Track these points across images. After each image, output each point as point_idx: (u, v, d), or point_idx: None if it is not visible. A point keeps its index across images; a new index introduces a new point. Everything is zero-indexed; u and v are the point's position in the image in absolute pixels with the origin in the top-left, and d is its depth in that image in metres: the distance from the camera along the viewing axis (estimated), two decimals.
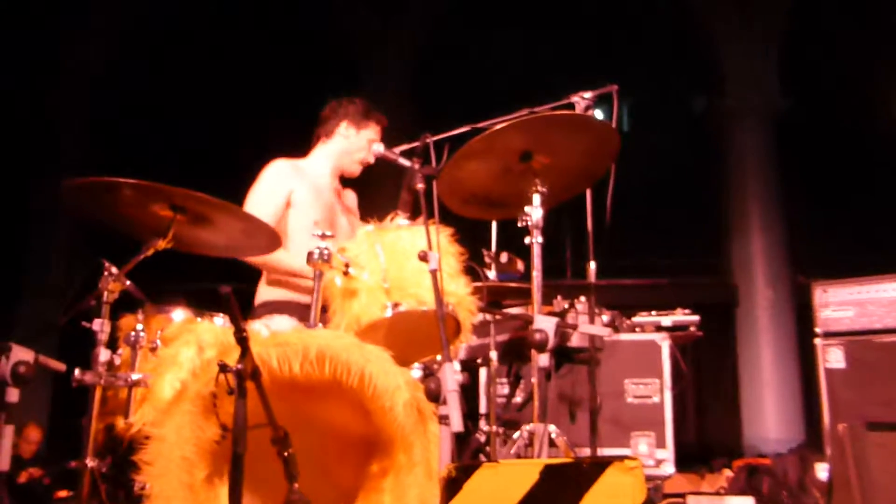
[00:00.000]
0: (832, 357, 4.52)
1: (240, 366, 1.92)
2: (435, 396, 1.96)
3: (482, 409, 3.90)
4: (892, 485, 1.14)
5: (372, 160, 3.11)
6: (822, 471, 4.35)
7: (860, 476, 1.12)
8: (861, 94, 4.10)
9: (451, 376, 1.92)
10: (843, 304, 4.53)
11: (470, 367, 3.64)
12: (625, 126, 8.31)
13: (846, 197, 7.23)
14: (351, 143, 3.26)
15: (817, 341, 4.55)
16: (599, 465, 1.61)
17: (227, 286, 1.99)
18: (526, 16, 8.12)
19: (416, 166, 2.39)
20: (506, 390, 3.70)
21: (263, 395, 1.91)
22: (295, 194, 3.11)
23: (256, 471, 2.01)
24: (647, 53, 7.99)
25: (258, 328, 2.35)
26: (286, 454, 1.92)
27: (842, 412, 4.41)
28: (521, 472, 1.67)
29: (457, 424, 1.87)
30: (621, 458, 1.55)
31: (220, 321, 2.34)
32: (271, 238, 2.57)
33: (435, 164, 2.43)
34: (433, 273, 2.11)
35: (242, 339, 1.93)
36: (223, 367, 1.91)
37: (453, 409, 1.88)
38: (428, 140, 2.43)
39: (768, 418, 7.22)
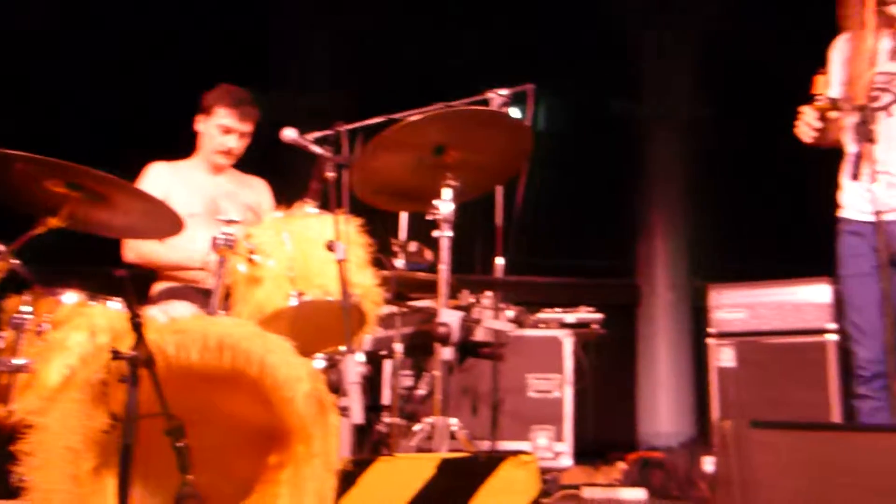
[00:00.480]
0: (724, 356, 4.73)
1: (134, 352, 1.85)
2: (336, 388, 1.94)
3: (385, 400, 3.90)
4: (773, 480, 1.20)
5: (227, 147, 3.11)
6: (708, 464, 4.54)
7: (742, 472, 1.18)
8: (767, 112, 4.29)
9: (354, 368, 1.91)
10: (735, 306, 4.75)
11: (374, 358, 3.63)
12: (539, 125, 8.40)
13: (745, 206, 7.56)
14: (204, 133, 3.20)
15: (710, 341, 4.76)
16: (494, 460, 1.63)
17: (122, 269, 1.92)
18: (449, 11, 8.13)
19: (328, 154, 2.35)
20: (409, 382, 3.71)
21: (157, 383, 1.85)
22: (171, 196, 3.04)
23: (148, 462, 1.95)
24: (565, 54, 8.11)
25: (155, 314, 2.28)
26: (179, 445, 1.87)
27: (730, 409, 4.62)
28: (417, 466, 1.67)
29: (357, 416, 1.87)
30: (516, 452, 1.57)
31: (115, 305, 2.25)
32: (173, 221, 2.48)
33: (347, 153, 2.40)
34: (340, 263, 2.09)
35: (137, 325, 1.86)
36: (116, 354, 1.84)
37: (354, 401, 1.87)
38: (340, 129, 2.40)
39: (662, 414, 7.47)
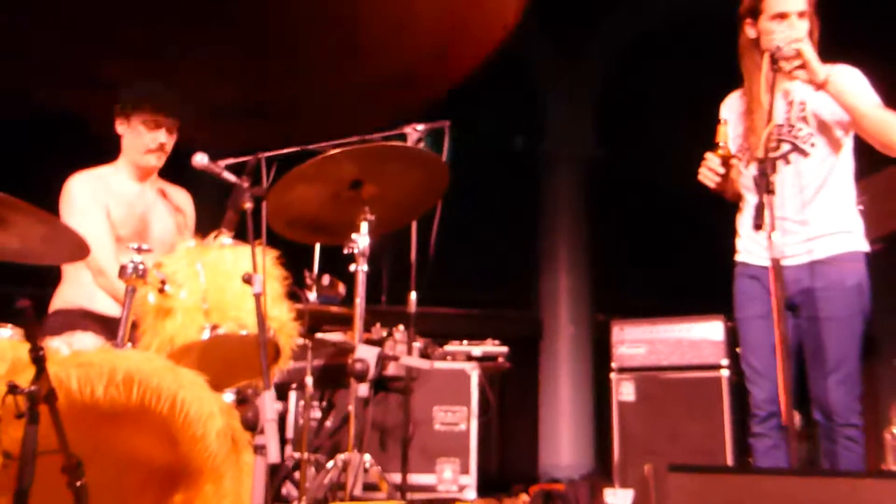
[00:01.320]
0: (624, 390, 4.88)
1: (33, 387, 1.76)
2: (252, 425, 1.89)
3: (289, 434, 3.82)
4: None
5: (158, 142, 2.96)
6: (610, 496, 4.64)
7: None
8: (663, 151, 4.50)
9: (271, 405, 1.87)
10: (636, 341, 4.91)
11: (281, 390, 3.56)
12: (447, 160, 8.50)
13: (645, 244, 7.85)
14: (128, 137, 3.02)
15: (612, 375, 4.90)
16: None
17: (25, 299, 1.82)
18: None
19: (245, 184, 2.31)
20: (318, 415, 3.65)
21: (57, 419, 1.76)
22: (112, 213, 2.90)
23: (43, 501, 1.84)
24: (470, 91, 8.27)
25: (58, 345, 2.16)
26: (77, 484, 1.78)
27: (630, 442, 4.76)
28: None
29: (274, 455, 1.82)
30: (447, 501, 1.57)
31: (9, 333, 2.13)
32: (76, 246, 2.36)
33: (266, 183, 2.37)
34: (257, 297, 2.05)
35: (38, 358, 1.77)
36: (13, 388, 1.74)
37: (271, 439, 1.82)
38: (261, 157, 2.37)
39: (563, 446, 7.60)
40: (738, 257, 2.80)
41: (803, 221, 2.58)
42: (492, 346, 5.06)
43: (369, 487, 2.63)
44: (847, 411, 2.48)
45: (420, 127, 3.22)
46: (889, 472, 2.48)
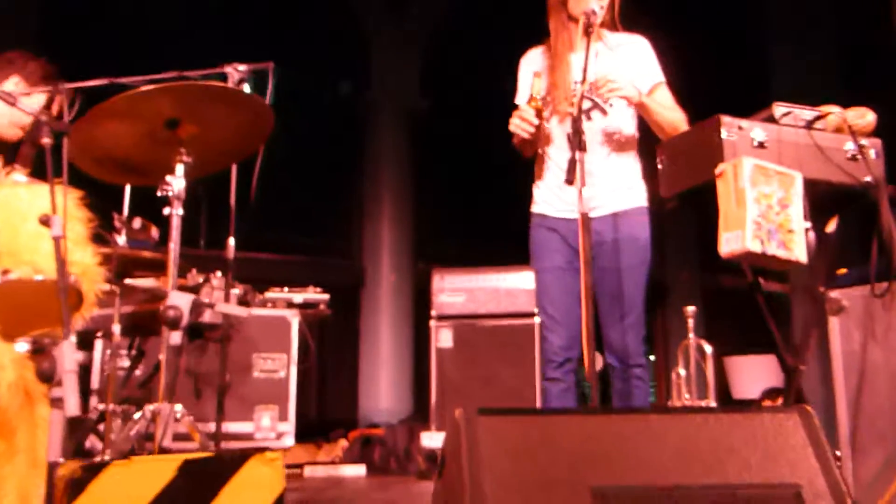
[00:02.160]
0: (443, 337, 5.03)
1: None
2: (48, 377, 1.76)
3: (95, 384, 3.63)
4: (496, 462, 1.32)
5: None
6: (426, 440, 4.80)
7: (471, 454, 1.28)
8: (486, 104, 4.62)
9: (70, 355, 1.75)
10: (455, 290, 5.06)
11: (86, 339, 3.35)
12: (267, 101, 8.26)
13: (468, 194, 8.05)
14: None
15: (431, 323, 5.03)
16: (238, 459, 1.59)
17: None
18: None
19: (44, 118, 2.11)
20: (126, 364, 3.47)
21: None
22: None
23: None
24: (298, 33, 8.03)
25: None
26: None
27: (447, 388, 4.94)
28: (155, 470, 1.58)
29: (73, 408, 1.71)
30: (262, 450, 1.55)
31: None
32: None
33: (69, 117, 2.18)
34: (56, 239, 1.89)
35: None
36: None
37: (70, 392, 1.71)
38: (62, 90, 2.17)
39: (383, 392, 7.75)
40: (536, 208, 2.90)
41: (601, 176, 2.74)
42: (313, 294, 5.03)
43: (181, 438, 2.56)
44: (636, 353, 2.71)
45: (242, 67, 3.08)
46: (670, 408, 2.74)
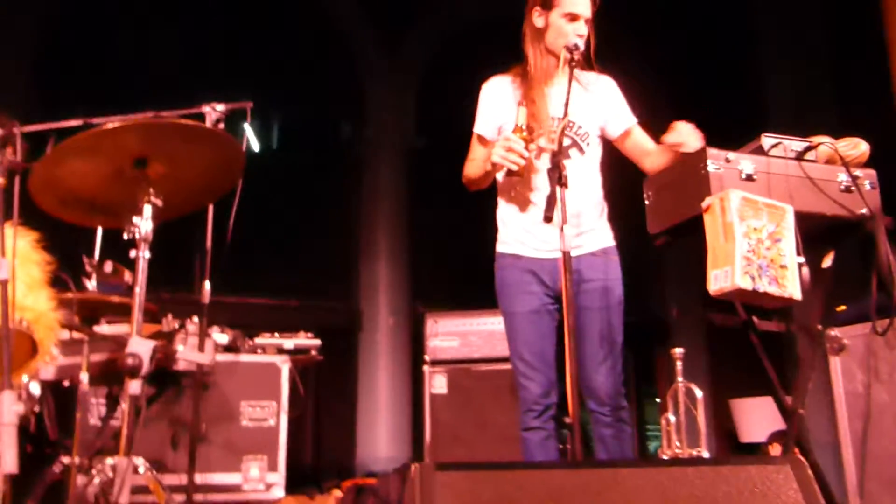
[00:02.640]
0: (437, 383, 4.91)
1: None
2: None
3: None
4: None
5: None
6: None
7: None
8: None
9: (9, 407, 1.64)
10: (449, 334, 4.95)
11: (60, 388, 3.23)
12: (257, 145, 8.30)
13: (465, 233, 7.97)
14: None
15: (425, 368, 4.92)
16: None
17: None
18: (179, 18, 7.77)
19: None
20: (101, 416, 3.35)
21: None
22: None
23: None
24: (297, 76, 8.06)
25: None
26: None
27: (441, 434, 4.80)
28: None
29: (10, 464, 1.60)
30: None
31: None
32: None
33: (22, 157, 2.10)
34: (2, 283, 1.80)
35: None
36: None
37: (6, 447, 1.60)
38: (15, 130, 2.09)
39: (380, 439, 7.57)
40: (506, 248, 2.77)
41: (577, 214, 2.61)
42: (304, 339, 4.92)
43: (140, 492, 2.43)
44: (617, 395, 2.59)
45: (220, 107, 3.03)
46: (645, 461, 2.60)
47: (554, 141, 2.49)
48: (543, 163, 2.65)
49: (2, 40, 6.97)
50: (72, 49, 7.23)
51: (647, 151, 2.79)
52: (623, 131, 2.79)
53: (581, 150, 2.68)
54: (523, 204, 2.72)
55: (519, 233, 2.73)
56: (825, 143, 2.47)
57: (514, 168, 2.51)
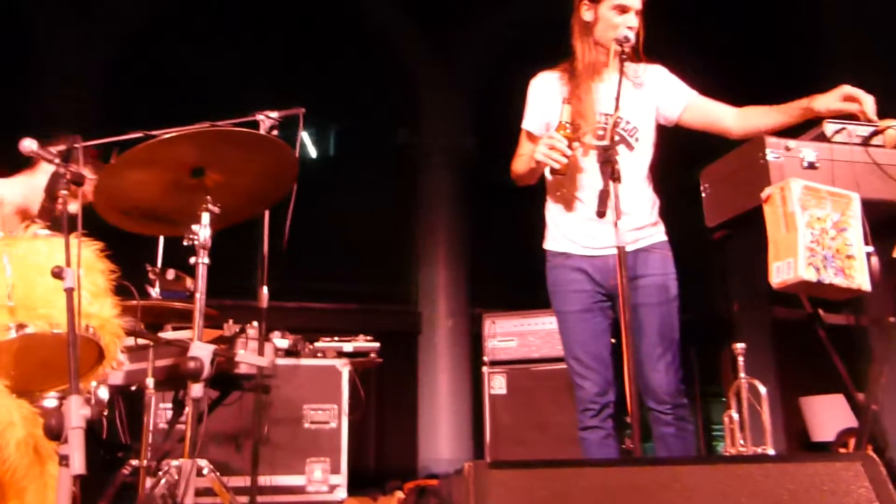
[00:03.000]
0: (496, 384, 4.89)
1: None
2: (56, 434, 1.71)
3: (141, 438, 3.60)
4: None
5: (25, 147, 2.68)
6: None
7: None
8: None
9: (77, 411, 1.69)
10: (507, 335, 4.93)
11: (129, 393, 3.33)
12: (314, 151, 8.43)
13: (522, 235, 7.91)
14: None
15: (484, 369, 4.91)
16: None
17: None
18: (238, 34, 7.96)
19: (62, 170, 2.11)
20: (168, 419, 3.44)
21: None
22: None
23: None
24: (353, 84, 8.15)
25: None
26: None
27: (501, 434, 4.78)
28: None
29: (78, 466, 1.64)
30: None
31: None
32: None
33: (82, 169, 2.16)
34: (68, 291, 1.86)
35: None
36: None
37: (75, 449, 1.64)
38: (77, 144, 2.16)
39: (442, 440, 7.58)
40: (555, 246, 2.74)
41: (628, 210, 2.55)
42: (363, 342, 4.95)
43: (205, 493, 2.48)
44: (677, 393, 2.53)
45: (273, 114, 3.07)
46: (706, 458, 2.53)
47: (602, 138, 2.46)
48: (590, 160, 2.62)
49: (69, 60, 7.23)
50: (136, 65, 7.46)
51: (722, 114, 2.67)
52: (682, 108, 2.71)
53: (629, 146, 2.63)
54: (570, 202, 2.69)
55: (568, 231, 2.70)
56: (893, 126, 2.37)
57: (557, 166, 2.48)
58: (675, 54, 2.86)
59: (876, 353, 2.45)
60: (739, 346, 3.22)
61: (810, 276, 2.10)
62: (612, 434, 2.53)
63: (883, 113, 2.44)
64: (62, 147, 2.55)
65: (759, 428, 2.91)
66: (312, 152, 8.40)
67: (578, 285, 2.64)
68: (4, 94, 6.65)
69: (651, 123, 2.71)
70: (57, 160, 2.26)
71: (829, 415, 6.14)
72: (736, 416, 2.97)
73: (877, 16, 6.69)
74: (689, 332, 2.68)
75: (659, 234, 2.69)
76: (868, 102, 2.38)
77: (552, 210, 2.76)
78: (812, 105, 2.43)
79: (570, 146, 2.47)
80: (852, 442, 4.81)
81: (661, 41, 2.76)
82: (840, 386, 2.66)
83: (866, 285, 2.16)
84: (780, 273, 2.15)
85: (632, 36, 2.56)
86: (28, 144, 2.51)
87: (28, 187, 2.92)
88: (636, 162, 2.64)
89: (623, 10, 2.60)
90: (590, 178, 2.62)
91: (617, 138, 2.57)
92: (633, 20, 2.60)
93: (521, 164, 2.73)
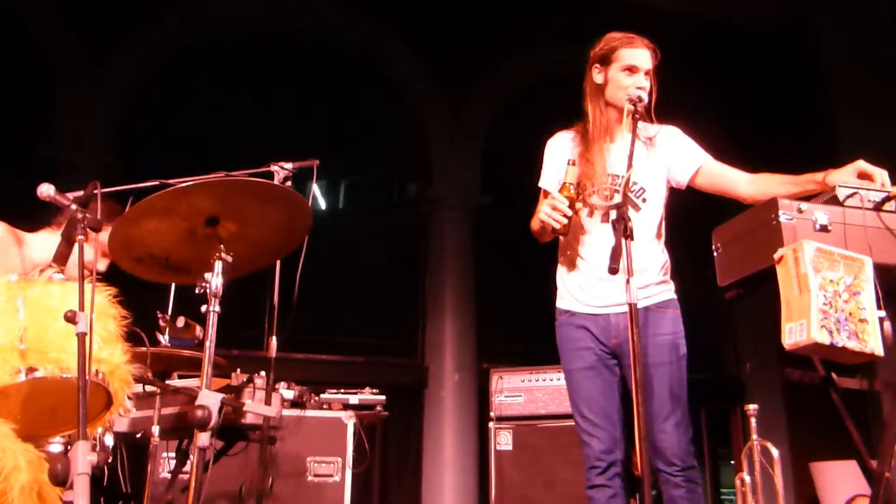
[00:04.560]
0: (502, 440, 4.84)
1: None
2: (61, 480, 1.70)
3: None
4: None
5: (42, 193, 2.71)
6: None
7: None
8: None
9: (84, 457, 1.68)
10: (514, 390, 4.90)
11: (133, 441, 3.31)
12: (324, 203, 8.53)
13: (531, 290, 7.91)
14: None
15: (491, 425, 4.86)
16: None
17: None
18: (256, 85, 8.14)
19: (80, 215, 2.13)
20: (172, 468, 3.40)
21: None
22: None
23: None
24: (363, 137, 8.28)
25: None
26: None
27: (508, 492, 4.71)
28: None
29: None
30: None
31: None
32: None
33: (99, 215, 2.19)
34: (80, 336, 1.86)
35: None
36: None
37: (80, 496, 1.63)
38: (96, 191, 2.19)
39: (447, 496, 7.45)
40: (562, 304, 2.76)
41: (636, 270, 2.55)
42: (369, 395, 4.92)
43: None
44: (686, 454, 2.49)
45: (288, 165, 3.11)
46: None
47: (609, 198, 2.50)
48: (594, 221, 2.67)
49: (88, 113, 7.37)
50: (151, 120, 7.60)
51: (735, 180, 2.67)
52: (693, 172, 2.71)
53: (636, 206, 2.64)
54: (575, 260, 2.72)
55: (572, 289, 2.72)
56: None
57: (558, 226, 2.52)
58: (690, 114, 2.89)
59: (889, 418, 2.42)
60: (752, 408, 3.18)
61: (823, 338, 2.09)
62: (619, 493, 2.49)
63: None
64: (79, 193, 2.59)
65: (772, 491, 2.86)
66: (322, 204, 8.47)
67: (583, 343, 2.65)
68: (23, 144, 6.79)
69: (660, 184, 2.72)
70: (74, 205, 2.30)
71: (840, 481, 6.02)
72: (748, 478, 2.91)
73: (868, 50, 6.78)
74: (700, 392, 2.66)
75: (667, 292, 2.68)
76: (882, 178, 2.40)
77: (560, 267, 2.80)
78: (827, 180, 2.45)
79: (572, 206, 2.50)
80: None
81: (679, 101, 2.79)
82: (852, 451, 2.62)
83: (879, 350, 2.14)
84: (793, 334, 2.14)
85: (644, 96, 2.60)
86: (45, 190, 2.55)
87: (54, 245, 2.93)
88: (643, 222, 2.64)
89: (632, 70, 2.65)
90: (593, 239, 2.66)
91: (619, 198, 2.57)
92: (642, 80, 2.64)
93: (536, 222, 2.76)
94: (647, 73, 2.66)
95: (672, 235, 2.81)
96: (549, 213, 2.51)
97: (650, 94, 2.66)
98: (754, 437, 3.04)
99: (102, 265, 2.82)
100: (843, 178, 2.43)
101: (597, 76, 2.72)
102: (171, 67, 7.67)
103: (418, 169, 8.54)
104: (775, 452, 2.95)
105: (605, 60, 2.69)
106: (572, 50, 3.14)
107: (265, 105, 8.35)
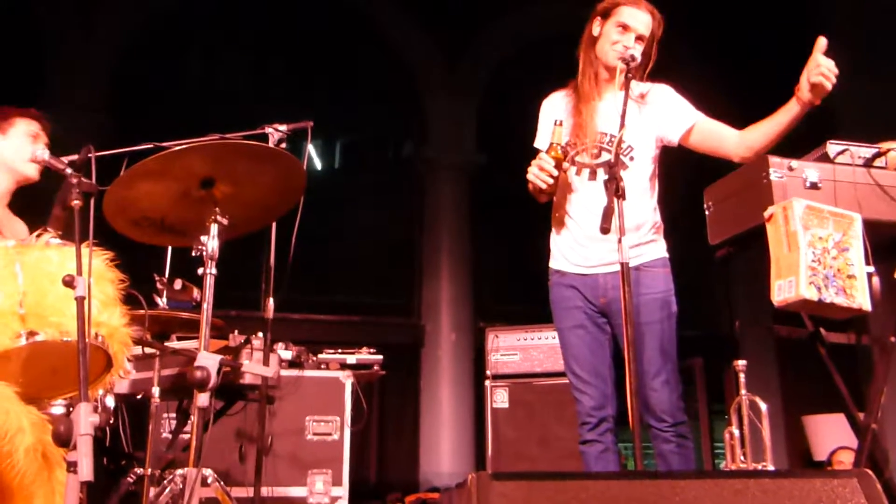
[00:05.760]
0: (498, 398, 4.91)
1: None
2: (65, 441, 1.73)
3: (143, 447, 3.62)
4: None
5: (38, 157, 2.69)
6: None
7: None
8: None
9: (86, 418, 1.72)
10: (510, 349, 4.96)
11: (134, 402, 3.35)
12: (319, 163, 8.51)
13: (527, 249, 7.94)
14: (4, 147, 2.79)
15: (487, 383, 4.92)
16: None
17: None
18: (250, 45, 8.06)
19: (75, 180, 2.14)
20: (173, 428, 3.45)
21: None
22: None
23: None
24: (358, 96, 8.22)
25: None
26: None
27: (503, 448, 4.79)
28: None
29: (86, 473, 1.67)
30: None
31: None
32: None
33: (95, 179, 2.19)
34: (79, 300, 1.89)
35: None
36: None
37: (83, 456, 1.67)
38: (90, 154, 2.19)
39: (443, 453, 7.57)
40: (554, 264, 2.78)
41: (626, 228, 2.56)
42: (367, 354, 4.96)
43: (208, 503, 2.49)
44: (676, 410, 2.54)
45: (282, 127, 3.11)
46: (704, 472, 2.54)
47: (597, 156, 2.50)
48: (582, 179, 2.67)
49: (80, 71, 7.31)
50: (144, 78, 7.53)
51: (725, 137, 2.63)
52: (685, 131, 2.68)
53: (623, 165, 2.64)
54: (564, 221, 2.73)
55: (563, 249, 2.74)
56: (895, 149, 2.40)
57: (543, 186, 2.52)
58: (679, 71, 2.87)
59: (877, 372, 2.47)
60: (741, 363, 3.24)
61: (811, 294, 2.12)
62: (610, 448, 2.55)
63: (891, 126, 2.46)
64: (74, 157, 2.59)
65: (760, 445, 2.93)
66: (318, 164, 8.45)
67: (572, 302, 2.68)
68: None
69: (649, 142, 2.70)
70: (69, 170, 2.30)
71: (831, 434, 6.12)
72: (737, 432, 2.98)
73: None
74: (695, 349, 2.70)
75: (658, 250, 2.69)
76: (820, 44, 2.34)
77: (553, 229, 2.81)
78: (798, 95, 2.38)
79: (558, 166, 2.50)
80: (845, 457, 4.80)
81: (680, 58, 2.76)
82: (842, 405, 2.67)
83: (867, 305, 2.18)
84: (782, 291, 2.17)
85: (637, 56, 2.58)
86: (40, 154, 2.56)
87: None
88: (631, 180, 2.62)
89: (625, 28, 2.62)
90: (581, 197, 2.66)
91: (609, 157, 2.58)
92: (630, 41, 2.60)
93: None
94: (639, 38, 2.61)
95: (668, 192, 2.82)
96: (536, 174, 2.52)
97: (648, 56, 2.64)
98: (743, 391, 3.10)
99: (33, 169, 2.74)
100: (802, 83, 2.35)
101: (594, 27, 2.70)
102: (167, 26, 7.59)
103: (414, 128, 8.51)
104: (763, 406, 3.01)
105: (606, 14, 2.68)
106: (571, 6, 3.12)
107: (259, 65, 8.28)
